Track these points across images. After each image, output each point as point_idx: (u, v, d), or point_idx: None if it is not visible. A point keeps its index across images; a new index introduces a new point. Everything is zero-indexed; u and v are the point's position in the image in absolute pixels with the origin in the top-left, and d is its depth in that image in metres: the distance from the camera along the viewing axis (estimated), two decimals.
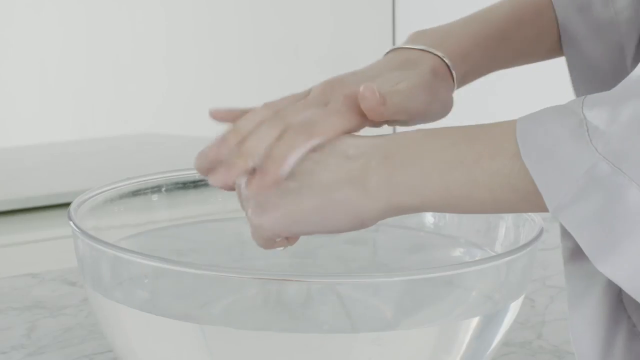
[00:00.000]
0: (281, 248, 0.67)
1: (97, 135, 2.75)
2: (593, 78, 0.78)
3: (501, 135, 0.58)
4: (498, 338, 0.70)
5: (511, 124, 0.58)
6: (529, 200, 0.57)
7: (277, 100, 0.70)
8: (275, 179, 0.64)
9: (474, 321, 0.68)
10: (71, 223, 0.71)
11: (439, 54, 0.75)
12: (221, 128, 0.70)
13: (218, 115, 0.71)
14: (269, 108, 0.69)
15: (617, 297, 0.65)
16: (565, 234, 0.67)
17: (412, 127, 0.69)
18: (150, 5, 2.84)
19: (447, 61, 0.75)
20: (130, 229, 0.82)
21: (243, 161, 0.65)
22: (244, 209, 0.67)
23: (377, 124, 0.70)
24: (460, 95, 0.77)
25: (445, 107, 0.75)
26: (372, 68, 0.74)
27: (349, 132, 0.66)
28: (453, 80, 0.75)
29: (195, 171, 0.82)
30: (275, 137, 0.65)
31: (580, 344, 0.66)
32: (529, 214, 0.74)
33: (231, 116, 0.70)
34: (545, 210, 0.56)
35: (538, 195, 0.56)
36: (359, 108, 0.68)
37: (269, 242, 0.66)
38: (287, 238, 0.67)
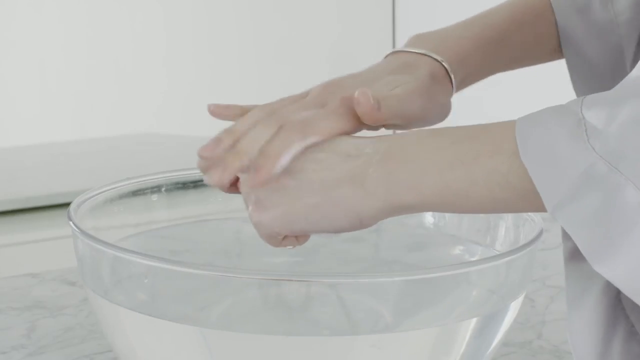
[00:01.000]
0: (290, 247, 0.67)
1: (97, 135, 2.75)
2: (593, 79, 0.78)
3: (501, 134, 0.58)
4: (498, 338, 0.70)
5: (511, 124, 0.58)
6: (528, 199, 0.57)
7: (274, 102, 0.70)
8: (267, 176, 0.63)
9: (474, 321, 0.68)
10: (71, 223, 0.70)
11: (438, 58, 0.74)
12: (220, 127, 0.69)
13: (216, 111, 0.71)
14: (265, 109, 0.69)
15: (616, 298, 0.64)
16: (566, 233, 0.67)
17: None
18: (150, 5, 2.84)
19: (445, 65, 0.75)
20: (130, 229, 0.81)
21: (238, 160, 0.65)
22: (246, 206, 0.67)
23: (373, 127, 0.70)
24: (458, 97, 0.77)
25: (443, 111, 0.74)
26: (371, 71, 0.74)
27: (344, 133, 0.66)
28: (452, 84, 0.75)
29: (194, 171, 0.82)
30: (270, 136, 0.65)
31: (578, 344, 0.66)
32: (529, 214, 0.74)
33: (229, 112, 0.70)
34: (544, 209, 0.56)
35: (536, 194, 0.56)
36: (356, 111, 0.68)
37: (273, 239, 0.66)
38: (296, 237, 0.66)
